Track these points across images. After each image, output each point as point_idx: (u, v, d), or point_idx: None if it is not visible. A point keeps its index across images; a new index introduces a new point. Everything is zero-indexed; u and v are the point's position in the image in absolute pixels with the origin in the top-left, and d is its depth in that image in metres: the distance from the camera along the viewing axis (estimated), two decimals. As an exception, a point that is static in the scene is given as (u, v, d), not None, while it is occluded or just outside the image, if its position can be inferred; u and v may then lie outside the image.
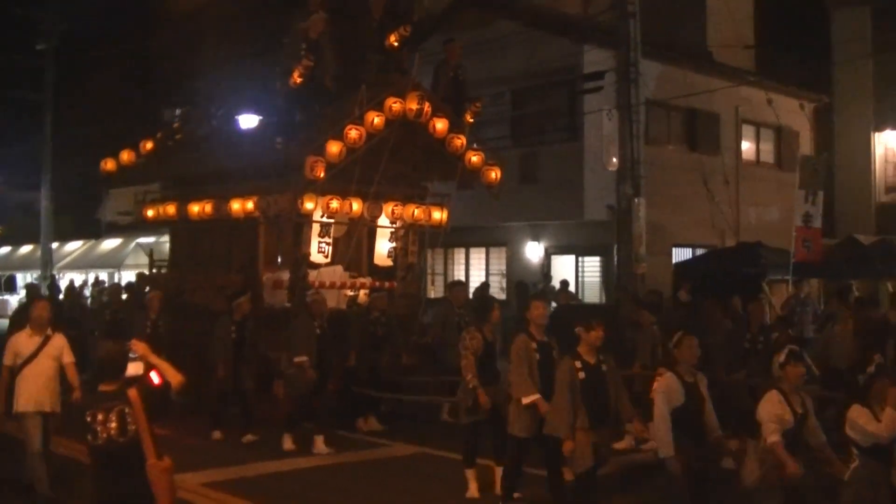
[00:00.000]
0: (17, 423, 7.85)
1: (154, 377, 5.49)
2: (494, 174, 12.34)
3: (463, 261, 21.74)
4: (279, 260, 12.34)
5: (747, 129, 21.98)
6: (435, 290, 20.82)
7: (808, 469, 5.87)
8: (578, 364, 6.67)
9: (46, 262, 28.85)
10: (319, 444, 9.81)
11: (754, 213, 21.33)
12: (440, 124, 11.74)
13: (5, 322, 18.38)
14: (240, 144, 13.01)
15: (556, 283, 18.10)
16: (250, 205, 11.84)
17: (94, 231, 32.31)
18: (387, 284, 12.38)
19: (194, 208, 12.88)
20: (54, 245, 30.24)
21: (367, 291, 12.16)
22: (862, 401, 5.91)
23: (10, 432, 8.51)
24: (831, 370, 10.65)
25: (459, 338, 8.23)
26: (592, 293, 19.57)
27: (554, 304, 14.75)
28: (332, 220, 11.85)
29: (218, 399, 10.72)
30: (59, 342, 7.90)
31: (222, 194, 12.37)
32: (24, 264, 33.49)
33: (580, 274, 19.89)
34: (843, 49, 22.14)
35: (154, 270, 15.24)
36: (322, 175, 10.80)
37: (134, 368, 5.40)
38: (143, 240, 27.49)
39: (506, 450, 7.73)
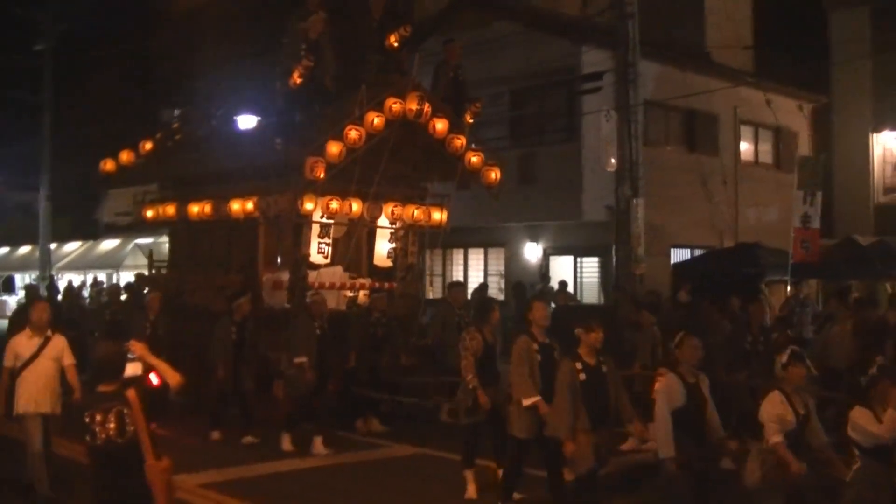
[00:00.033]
0: (17, 424, 7.85)
1: (153, 378, 5.50)
2: (494, 174, 12.34)
3: (461, 261, 21.74)
4: (279, 260, 12.34)
5: (746, 130, 21.99)
6: (433, 291, 20.82)
7: (809, 470, 5.88)
8: (579, 365, 6.67)
9: (45, 263, 28.84)
10: (318, 445, 9.80)
11: (753, 213, 21.35)
12: (440, 125, 11.73)
13: (4, 323, 18.37)
14: (239, 145, 13.01)
15: (554, 284, 18.10)
16: (250, 205, 11.83)
17: (93, 232, 32.29)
18: (386, 285, 12.38)
19: (194, 209, 12.87)
20: (53, 246, 30.22)
21: (366, 292, 12.16)
22: (864, 402, 5.93)
23: (10, 433, 8.52)
24: (829, 370, 10.67)
25: (459, 338, 8.23)
26: (591, 294, 19.58)
27: (552, 305, 14.75)
28: (331, 221, 11.84)
29: (217, 400, 10.71)
30: (59, 343, 7.90)
31: (222, 195, 12.36)
32: (23, 265, 33.46)
33: (579, 275, 19.90)
34: (842, 49, 22.17)
35: (153, 271, 15.23)
36: (322, 175, 10.79)
37: (132, 369, 5.40)
38: (141, 240, 27.48)
39: (506, 451, 7.75)
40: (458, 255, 21.67)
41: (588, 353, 6.76)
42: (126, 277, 24.52)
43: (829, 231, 18.88)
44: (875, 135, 22.62)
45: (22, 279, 32.85)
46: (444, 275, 21.37)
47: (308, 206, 11.19)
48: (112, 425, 4.90)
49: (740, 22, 22.94)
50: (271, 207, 11.59)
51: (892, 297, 13.56)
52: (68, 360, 7.89)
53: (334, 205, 11.47)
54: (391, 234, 12.79)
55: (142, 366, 5.69)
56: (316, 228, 11.75)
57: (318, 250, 11.82)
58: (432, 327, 11.93)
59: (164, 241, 20.78)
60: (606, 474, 7.03)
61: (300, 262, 11.58)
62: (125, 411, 4.93)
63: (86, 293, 22.29)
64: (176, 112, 16.04)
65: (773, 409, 5.90)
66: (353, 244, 12.38)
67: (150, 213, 14.16)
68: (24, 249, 34.06)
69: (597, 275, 19.65)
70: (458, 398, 8.06)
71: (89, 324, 15.32)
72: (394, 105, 11.22)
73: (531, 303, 7.78)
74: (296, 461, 9.48)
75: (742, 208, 21.08)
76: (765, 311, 11.16)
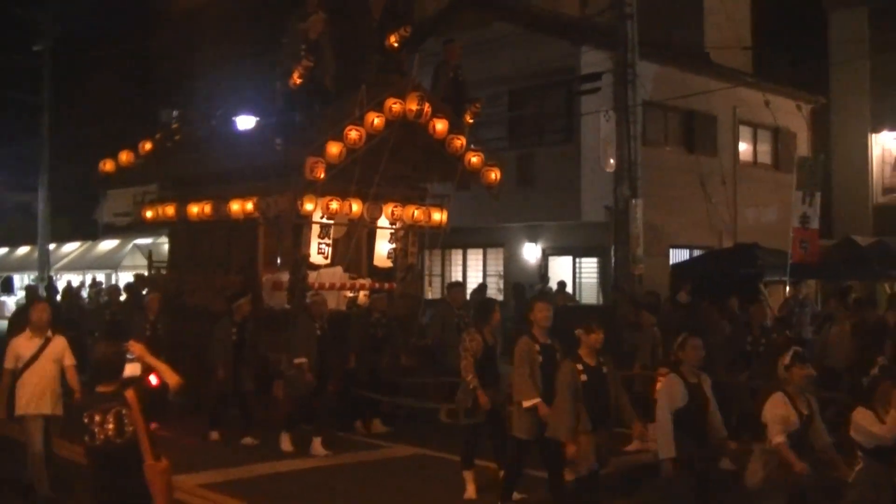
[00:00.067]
0: (18, 425, 7.85)
1: (152, 378, 5.49)
2: (494, 175, 12.34)
3: (460, 262, 21.73)
4: (279, 261, 12.34)
5: (744, 131, 21.99)
6: (432, 292, 20.82)
7: (811, 470, 5.88)
8: (580, 366, 6.67)
9: (44, 264, 28.83)
10: (317, 445, 9.80)
11: (751, 214, 21.36)
12: (440, 125, 11.73)
13: (3, 324, 18.38)
14: (239, 145, 13.01)
15: (553, 285, 18.11)
16: (250, 206, 11.82)
17: (92, 232, 32.27)
18: (386, 286, 12.39)
19: (193, 209, 12.86)
20: (51, 246, 30.20)
21: (366, 293, 12.16)
22: (866, 403, 5.94)
23: (11, 434, 8.52)
24: (828, 371, 10.68)
25: (460, 339, 8.24)
26: (590, 294, 19.57)
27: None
28: (331, 222, 11.84)
29: (217, 400, 10.71)
30: (59, 344, 7.90)
31: (222, 195, 12.35)
32: (22, 265, 33.44)
33: (577, 275, 19.89)
34: (841, 50, 22.20)
35: (153, 272, 15.23)
36: (322, 176, 10.78)
37: (131, 369, 5.41)
38: (140, 241, 27.48)
39: (506, 452, 7.75)
40: (457, 256, 21.66)
41: (588, 354, 6.75)
42: (125, 278, 24.50)
43: (827, 231, 18.92)
44: (874, 135, 22.64)
45: (21, 280, 32.84)
46: (442, 275, 21.37)
47: (308, 206, 11.19)
48: (111, 426, 4.89)
49: (739, 22, 22.94)
50: (271, 208, 11.59)
51: (891, 298, 13.58)
52: (69, 360, 7.88)
53: (334, 205, 11.47)
54: (391, 234, 12.80)
55: (140, 366, 5.70)
56: (316, 229, 11.75)
57: (318, 251, 11.82)
58: (432, 328, 11.93)
59: (163, 242, 20.80)
60: (606, 475, 7.03)
61: (300, 263, 11.58)
62: (124, 412, 4.93)
63: (84, 293, 22.28)
64: (174, 113, 16.02)
65: (777, 410, 5.90)
66: (353, 245, 12.38)
67: (149, 214, 14.16)
68: (23, 250, 34.04)
69: (596, 275, 19.64)
70: (458, 399, 8.07)
71: (89, 324, 15.32)
72: (394, 105, 11.22)
73: (533, 303, 7.76)
74: (295, 462, 9.49)
75: (741, 209, 21.08)
76: (766, 312, 11.15)
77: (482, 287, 18.15)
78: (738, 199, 21.00)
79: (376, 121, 11.14)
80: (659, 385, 6.42)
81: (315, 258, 11.81)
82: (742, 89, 20.68)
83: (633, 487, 7.70)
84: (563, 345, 7.34)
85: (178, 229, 14.01)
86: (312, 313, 10.22)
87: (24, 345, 7.83)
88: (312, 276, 11.59)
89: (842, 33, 22.36)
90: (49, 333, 7.90)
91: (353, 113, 11.11)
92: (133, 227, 23.15)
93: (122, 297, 15.29)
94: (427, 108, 11.48)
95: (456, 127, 12.00)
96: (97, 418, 4.91)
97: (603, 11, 16.88)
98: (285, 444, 9.91)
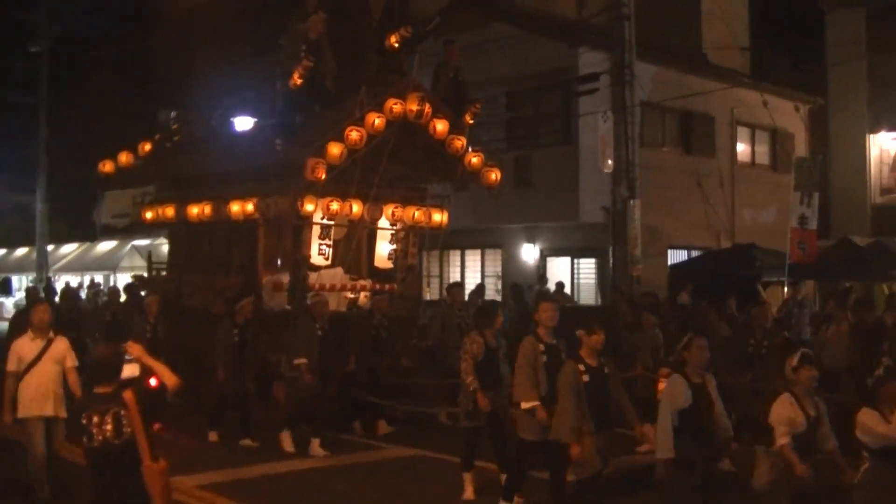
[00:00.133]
0: (20, 427, 7.85)
1: (151, 380, 5.49)
2: (494, 175, 12.32)
3: (458, 263, 21.74)
4: (279, 262, 12.32)
5: (742, 131, 22.02)
6: (431, 292, 20.83)
7: (814, 472, 5.89)
8: (582, 367, 6.68)
9: (42, 265, 28.80)
10: (316, 446, 9.81)
11: (749, 214, 21.39)
12: (440, 125, 11.72)
13: (3, 325, 18.36)
14: (239, 146, 12.99)
15: (551, 285, 18.12)
16: (250, 207, 11.80)
17: (90, 233, 32.23)
18: (387, 286, 12.39)
19: (193, 210, 12.84)
20: (50, 247, 30.17)
21: (367, 294, 12.16)
22: (871, 403, 5.95)
23: (12, 435, 8.51)
24: (827, 371, 10.68)
25: (462, 341, 8.24)
26: (588, 295, 19.59)
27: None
28: (332, 222, 11.83)
29: (217, 401, 10.71)
30: (61, 346, 7.89)
31: (221, 196, 12.33)
32: (20, 267, 33.40)
33: (576, 276, 19.92)
34: (838, 51, 22.21)
35: (152, 273, 15.21)
36: (322, 177, 10.77)
37: (129, 370, 5.41)
38: (138, 242, 27.46)
39: (506, 455, 7.74)
40: (455, 257, 21.67)
41: (589, 355, 6.76)
42: (123, 279, 24.50)
43: (825, 232, 18.95)
44: (872, 136, 22.68)
45: (19, 281, 32.79)
46: (441, 276, 21.38)
47: (308, 207, 11.17)
48: (109, 427, 4.89)
49: (736, 23, 22.97)
50: (271, 209, 11.57)
51: (889, 298, 13.59)
52: (70, 362, 7.87)
53: (335, 206, 11.46)
54: (391, 235, 12.79)
55: (139, 367, 5.69)
56: (316, 230, 11.74)
57: (318, 252, 11.81)
58: (432, 328, 11.93)
59: (162, 243, 20.81)
60: (607, 476, 7.04)
61: (300, 264, 11.58)
62: (122, 413, 4.92)
63: (82, 294, 22.26)
64: (173, 113, 16.00)
65: (783, 412, 5.91)
66: (353, 246, 12.36)
67: (149, 215, 14.13)
68: (21, 251, 34.01)
69: (594, 276, 19.66)
70: (459, 401, 8.07)
71: (88, 325, 15.32)
72: (394, 106, 11.19)
73: (538, 303, 7.75)
74: (294, 462, 9.49)
75: (739, 209, 21.11)
76: (768, 314, 11.13)
77: (481, 288, 18.15)
78: (736, 199, 21.03)
79: (377, 121, 11.12)
80: (661, 386, 6.42)
81: (315, 259, 11.80)
82: (740, 90, 20.72)
83: (634, 488, 7.70)
84: (563, 345, 7.34)
85: (177, 230, 13.99)
86: (314, 314, 10.22)
87: (27, 346, 7.81)
88: (313, 277, 11.59)
89: (839, 34, 22.39)
90: (51, 335, 7.89)
91: (354, 113, 11.09)
92: (131, 228, 23.12)
93: (122, 298, 15.28)
94: (427, 108, 11.46)
95: (456, 127, 12.00)
96: (95, 419, 4.90)
97: (600, 12, 16.92)
98: (286, 443, 9.91)
